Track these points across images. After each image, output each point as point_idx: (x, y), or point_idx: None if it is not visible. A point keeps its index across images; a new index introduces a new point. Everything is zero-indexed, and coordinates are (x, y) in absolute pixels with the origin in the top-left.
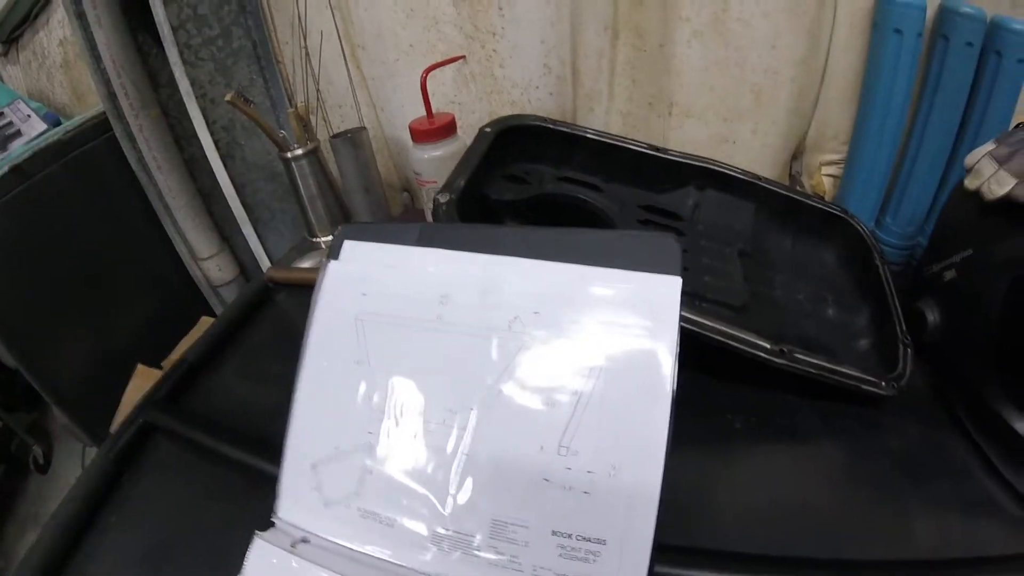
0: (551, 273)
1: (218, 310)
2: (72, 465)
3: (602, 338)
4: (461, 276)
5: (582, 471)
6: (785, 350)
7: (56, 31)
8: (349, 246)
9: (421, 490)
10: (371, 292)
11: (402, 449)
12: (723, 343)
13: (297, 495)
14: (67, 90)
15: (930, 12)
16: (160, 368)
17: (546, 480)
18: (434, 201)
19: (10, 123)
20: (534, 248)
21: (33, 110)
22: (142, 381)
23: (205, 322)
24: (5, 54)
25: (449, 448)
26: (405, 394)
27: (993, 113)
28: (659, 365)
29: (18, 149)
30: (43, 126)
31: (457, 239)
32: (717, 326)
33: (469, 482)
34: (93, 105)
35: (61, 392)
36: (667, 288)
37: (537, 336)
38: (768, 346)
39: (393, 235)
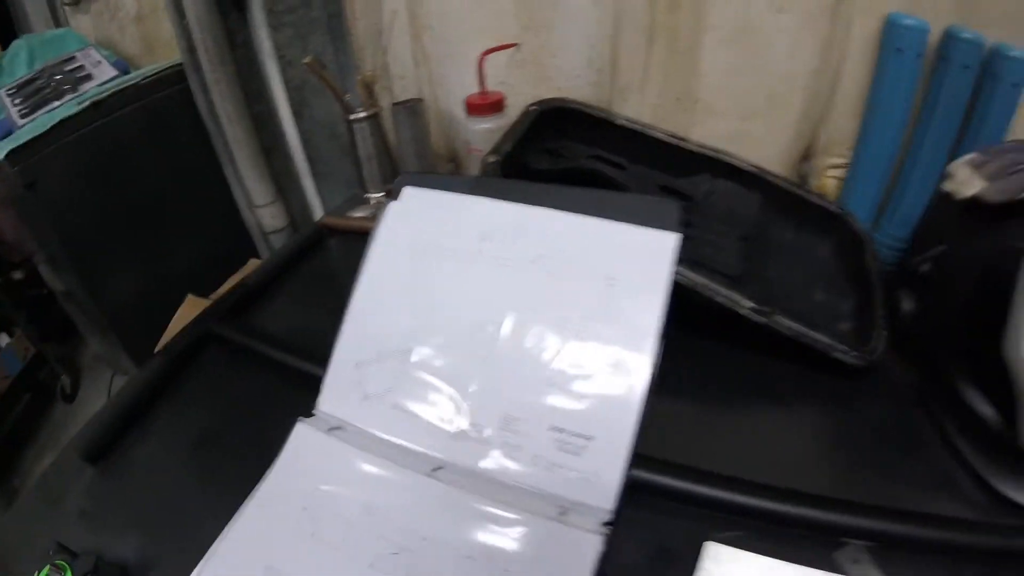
0: (572, 222)
1: (266, 255)
2: (98, 396)
3: (608, 273)
4: (500, 221)
5: (580, 378)
6: (766, 310)
7: None
8: (408, 191)
9: (447, 388)
10: (425, 228)
11: (437, 354)
12: (710, 299)
13: (339, 390)
14: (138, 42)
15: (934, 35)
16: (209, 299)
17: (551, 383)
18: (484, 160)
19: (81, 66)
20: (560, 202)
21: (104, 57)
22: (191, 310)
23: (253, 263)
24: (76, 3)
25: (477, 353)
26: (446, 309)
27: (986, 131)
28: (655, 293)
29: (94, 90)
30: (113, 72)
31: (501, 191)
32: (707, 282)
33: (487, 382)
34: (162, 58)
35: (114, 316)
36: (667, 240)
37: (556, 269)
38: (750, 304)
39: (448, 184)
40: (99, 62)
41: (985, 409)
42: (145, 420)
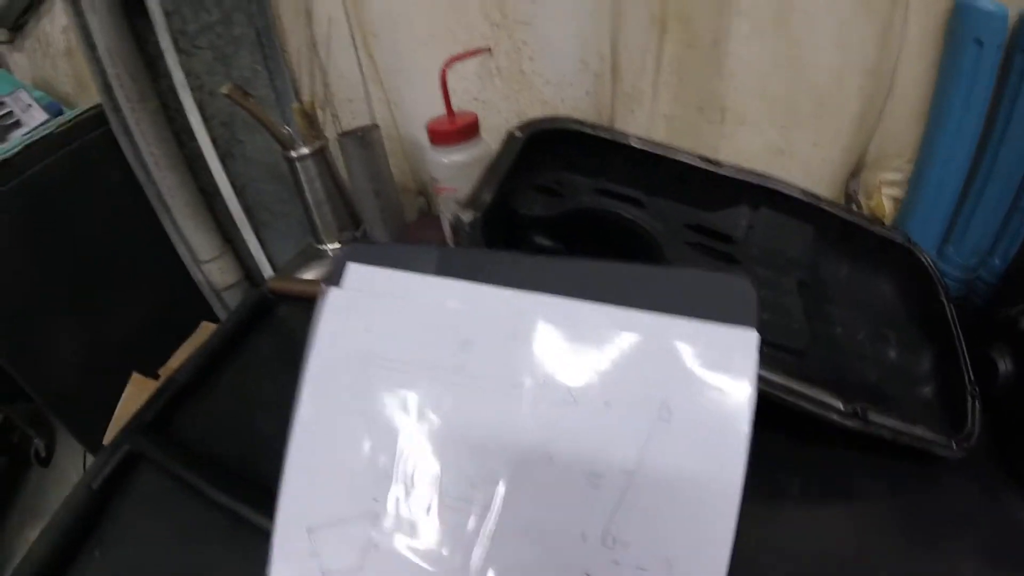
0: (597, 318)
1: (221, 314)
2: (74, 458)
3: (660, 403)
4: (488, 317)
5: (632, 567)
6: (859, 411)
7: (59, 18)
8: (354, 270)
9: (435, 574)
10: (377, 329)
11: (413, 523)
12: (792, 403)
13: (292, 561)
14: (71, 79)
15: (1009, 22)
16: (157, 376)
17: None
18: (455, 220)
19: (10, 112)
20: (577, 285)
21: (35, 99)
22: (137, 390)
23: (206, 327)
24: (11, 41)
25: (470, 527)
26: (417, 457)
27: None
28: (731, 437)
29: (13, 142)
30: (44, 116)
31: (484, 269)
32: (787, 383)
33: (493, 571)
34: (96, 95)
35: (54, 397)
36: (743, 344)
37: (579, 395)
38: (841, 407)
39: (406, 260)
40: (29, 106)
41: None
42: (72, 569)
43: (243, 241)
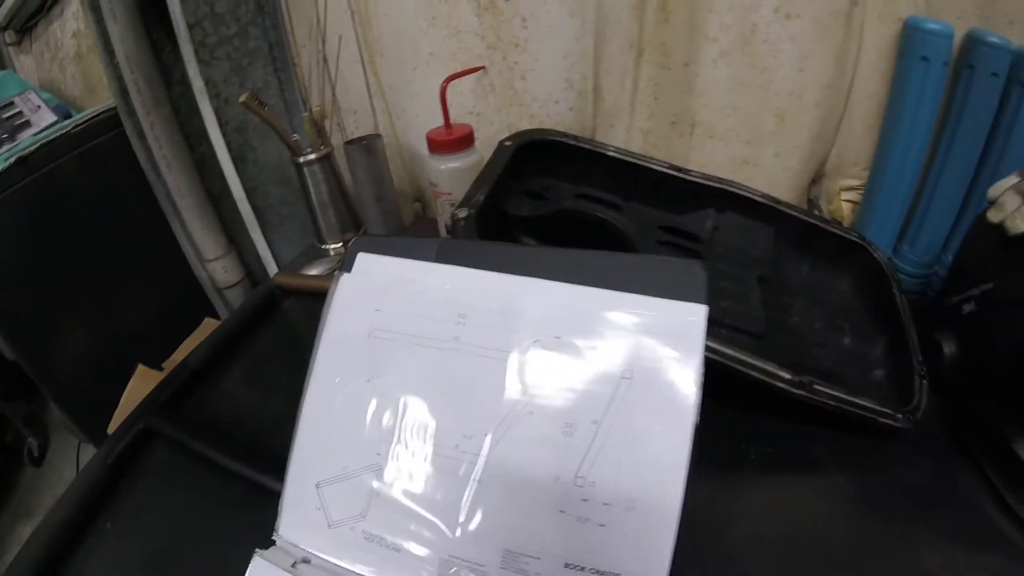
0: (573, 296)
1: (223, 312)
2: (67, 459)
3: (624, 365)
4: (480, 296)
5: (599, 503)
6: (805, 381)
7: (70, 23)
8: (363, 258)
9: (430, 516)
10: (385, 308)
11: (411, 473)
12: (743, 372)
13: (300, 514)
14: (79, 83)
15: (955, 41)
16: (161, 369)
17: (561, 511)
18: (452, 216)
19: (20, 113)
20: (556, 269)
21: (44, 101)
22: (142, 382)
23: (208, 324)
24: (19, 43)
25: (460, 473)
26: (417, 416)
27: (1016, 144)
28: (682, 396)
29: (26, 140)
30: (53, 117)
31: (476, 257)
32: (738, 355)
33: (480, 510)
34: (104, 98)
35: (59, 388)
36: (693, 317)
37: (556, 361)
38: (788, 376)
39: (410, 250)
40: (39, 107)
41: None
42: (86, 539)
43: (248, 241)
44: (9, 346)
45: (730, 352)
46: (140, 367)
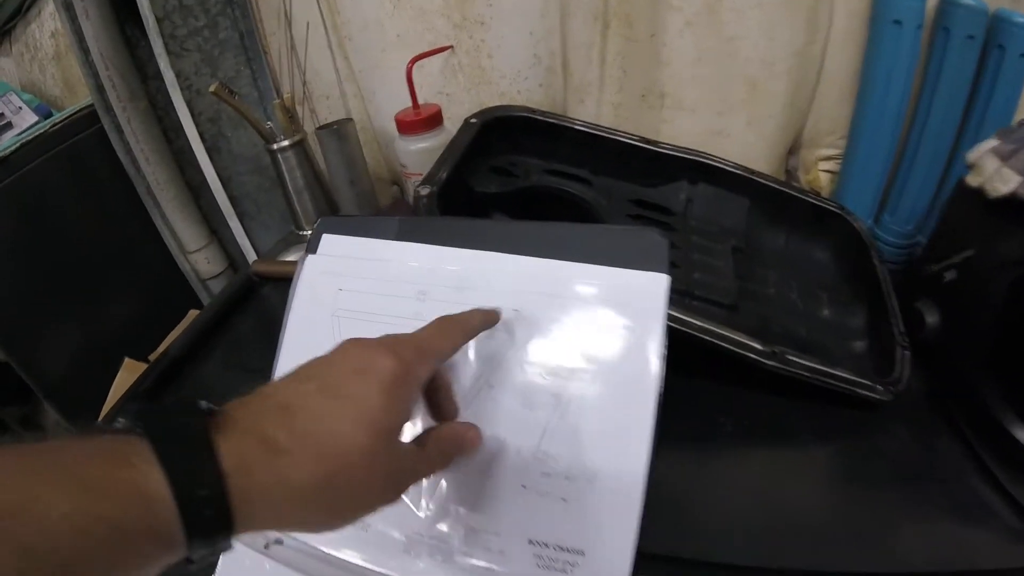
0: (533, 269)
1: (207, 303)
2: None
3: (585, 338)
4: (440, 272)
5: (560, 477)
6: (776, 351)
7: (48, 23)
8: (328, 240)
9: None
10: (348, 287)
11: None
12: (712, 343)
13: None
14: (59, 82)
15: (930, 3)
16: (148, 362)
17: (523, 487)
18: (415, 193)
19: (1, 115)
20: (516, 243)
21: (24, 102)
22: (129, 375)
23: (193, 316)
24: None
25: None
26: None
27: (995, 108)
28: (644, 367)
29: (7, 142)
30: (34, 118)
31: (437, 233)
32: (706, 325)
33: (443, 487)
34: (84, 97)
35: (49, 385)
36: (654, 286)
37: (517, 336)
38: (759, 347)
39: (372, 228)
40: (20, 108)
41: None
42: None
43: (228, 231)
44: None
45: (698, 323)
46: (127, 360)
